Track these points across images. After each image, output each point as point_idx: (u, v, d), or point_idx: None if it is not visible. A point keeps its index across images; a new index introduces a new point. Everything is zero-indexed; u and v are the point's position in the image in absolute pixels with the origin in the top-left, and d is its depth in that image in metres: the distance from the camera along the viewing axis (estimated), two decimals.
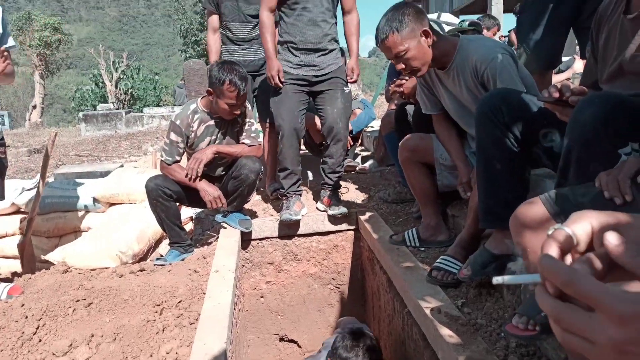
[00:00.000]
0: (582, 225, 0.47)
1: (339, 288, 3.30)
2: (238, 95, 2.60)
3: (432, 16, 3.92)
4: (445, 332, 1.63)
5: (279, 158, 3.04)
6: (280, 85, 2.89)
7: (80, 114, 15.03)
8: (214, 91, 2.63)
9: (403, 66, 2.01)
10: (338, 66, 3.01)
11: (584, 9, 2.33)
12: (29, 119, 22.43)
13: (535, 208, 1.20)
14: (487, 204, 1.82)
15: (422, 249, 2.42)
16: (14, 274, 3.33)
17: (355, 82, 3.07)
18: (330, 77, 2.98)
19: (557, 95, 1.30)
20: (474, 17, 7.37)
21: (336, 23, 3.05)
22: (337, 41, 3.07)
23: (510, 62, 1.91)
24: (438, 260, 2.04)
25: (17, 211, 3.74)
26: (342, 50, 3.42)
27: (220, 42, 3.51)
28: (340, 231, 3.21)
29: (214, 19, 3.45)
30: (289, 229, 3.13)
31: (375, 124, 5.21)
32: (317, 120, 3.57)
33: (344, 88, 3.01)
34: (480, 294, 1.92)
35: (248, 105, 2.90)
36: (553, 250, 0.47)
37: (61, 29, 27.03)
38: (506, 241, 1.73)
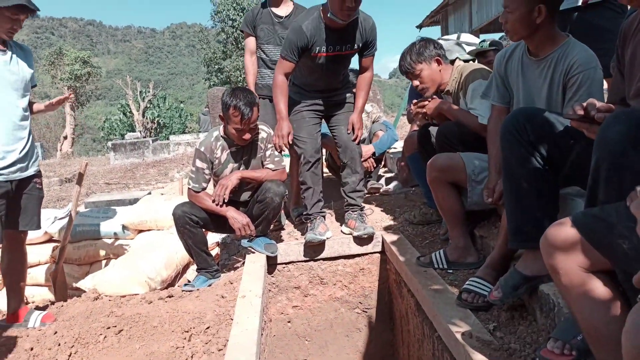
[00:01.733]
0: None
1: (366, 312, 3.26)
2: (242, 120, 2.64)
3: (452, 37, 3.93)
4: (478, 357, 1.58)
5: (301, 179, 3.08)
6: (285, 148, 2.94)
7: (109, 143, 15.50)
8: (223, 116, 2.71)
9: (503, 20, 1.93)
10: (349, 94, 3.16)
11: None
12: (60, 149, 23.21)
13: (565, 229, 1.17)
14: (516, 223, 1.79)
15: (451, 271, 2.37)
16: (47, 301, 3.40)
17: (355, 139, 3.06)
18: (342, 102, 3.12)
19: (581, 112, 1.28)
20: (495, 36, 7.35)
21: (347, 69, 3.17)
22: (347, 81, 3.18)
23: (602, 78, 1.87)
24: (468, 282, 2.00)
25: (50, 240, 3.85)
26: (354, 72, 3.47)
27: (257, 64, 3.58)
28: (366, 254, 3.18)
29: (251, 42, 3.54)
30: (314, 252, 3.12)
31: (398, 145, 5.20)
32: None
33: None
34: (512, 317, 1.86)
35: (271, 130, 2.95)
36: None
37: (90, 62, 28.14)
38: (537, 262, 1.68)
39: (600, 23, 2.19)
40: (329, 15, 2.72)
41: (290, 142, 2.95)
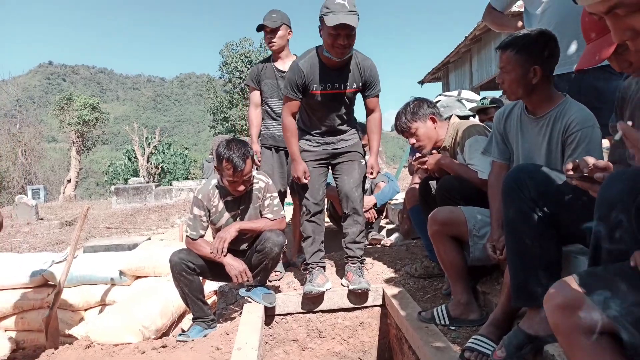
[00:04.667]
0: None
1: None
2: (234, 173, 2.64)
3: (453, 93, 4.03)
4: None
5: (301, 228, 3.07)
6: (306, 182, 3.00)
7: (112, 188, 15.56)
8: (217, 168, 2.73)
9: (500, 80, 2.00)
10: (355, 141, 3.16)
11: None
12: (63, 192, 23.30)
13: (568, 288, 1.15)
14: (519, 280, 1.77)
15: (453, 327, 2.31)
16: (37, 348, 3.31)
17: (374, 178, 3.14)
18: (348, 150, 3.12)
19: (570, 166, 1.30)
20: (495, 94, 7.55)
21: (353, 110, 3.20)
22: (353, 124, 3.21)
23: (600, 137, 1.90)
24: (471, 340, 1.95)
25: (45, 284, 3.79)
26: (360, 125, 3.52)
27: (261, 117, 3.68)
28: (367, 307, 3.11)
29: (256, 95, 3.65)
30: (313, 304, 3.06)
31: (400, 197, 5.21)
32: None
33: (361, 160, 3.13)
34: None
35: (269, 180, 2.97)
36: None
37: (99, 108, 28.75)
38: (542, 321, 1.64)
39: (596, 84, 2.26)
40: (324, 52, 2.80)
41: (307, 179, 2.97)
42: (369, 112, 3.10)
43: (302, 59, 2.88)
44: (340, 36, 2.64)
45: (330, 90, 2.92)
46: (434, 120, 2.73)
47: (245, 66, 28.86)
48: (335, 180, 3.18)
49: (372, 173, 3.07)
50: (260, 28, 3.50)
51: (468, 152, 2.56)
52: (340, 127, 3.10)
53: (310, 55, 2.88)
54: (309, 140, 3.11)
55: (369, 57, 2.94)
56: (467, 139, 2.58)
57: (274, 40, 3.48)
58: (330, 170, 3.22)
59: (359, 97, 3.09)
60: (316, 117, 3.06)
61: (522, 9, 2.69)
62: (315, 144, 3.10)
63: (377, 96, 3.05)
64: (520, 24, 2.76)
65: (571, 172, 1.29)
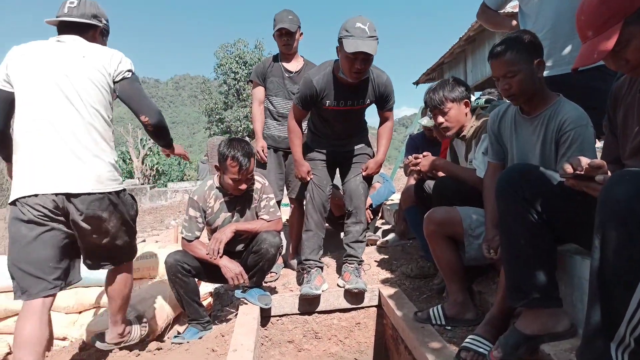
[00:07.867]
0: None
1: None
2: (239, 171, 2.65)
3: None
4: None
5: (305, 221, 3.10)
6: (313, 175, 3.09)
7: None
8: (220, 167, 2.72)
9: (506, 87, 1.98)
10: (365, 145, 3.21)
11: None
12: None
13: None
14: (514, 281, 1.76)
15: (449, 327, 2.31)
16: None
17: (366, 174, 3.13)
18: (357, 153, 3.18)
19: (569, 169, 1.29)
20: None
21: (364, 118, 3.23)
22: (364, 129, 3.25)
23: (593, 136, 1.90)
24: (467, 340, 1.94)
25: None
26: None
27: (264, 113, 3.64)
28: (363, 308, 3.11)
29: (260, 91, 3.61)
30: (309, 305, 3.05)
31: (395, 197, 5.21)
32: (338, 194, 3.65)
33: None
34: None
35: (265, 181, 2.96)
36: None
37: None
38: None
39: (591, 84, 2.26)
40: (340, 73, 2.81)
41: (312, 178, 3.05)
42: (383, 121, 3.14)
43: (317, 75, 2.87)
44: (358, 60, 2.65)
45: (344, 107, 2.95)
46: (467, 105, 2.65)
47: (240, 67, 28.83)
48: (341, 179, 3.21)
49: (365, 170, 3.12)
50: (280, 30, 3.42)
51: (479, 147, 2.54)
52: (350, 134, 3.16)
53: (326, 72, 2.87)
54: (318, 142, 3.15)
55: (384, 72, 2.95)
56: (484, 132, 2.56)
57: (290, 42, 3.46)
58: (337, 173, 3.27)
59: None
60: (328, 125, 3.09)
61: (517, 10, 2.69)
62: (324, 146, 3.14)
63: (391, 109, 3.10)
64: (514, 22, 2.76)
65: (569, 170, 1.29)
